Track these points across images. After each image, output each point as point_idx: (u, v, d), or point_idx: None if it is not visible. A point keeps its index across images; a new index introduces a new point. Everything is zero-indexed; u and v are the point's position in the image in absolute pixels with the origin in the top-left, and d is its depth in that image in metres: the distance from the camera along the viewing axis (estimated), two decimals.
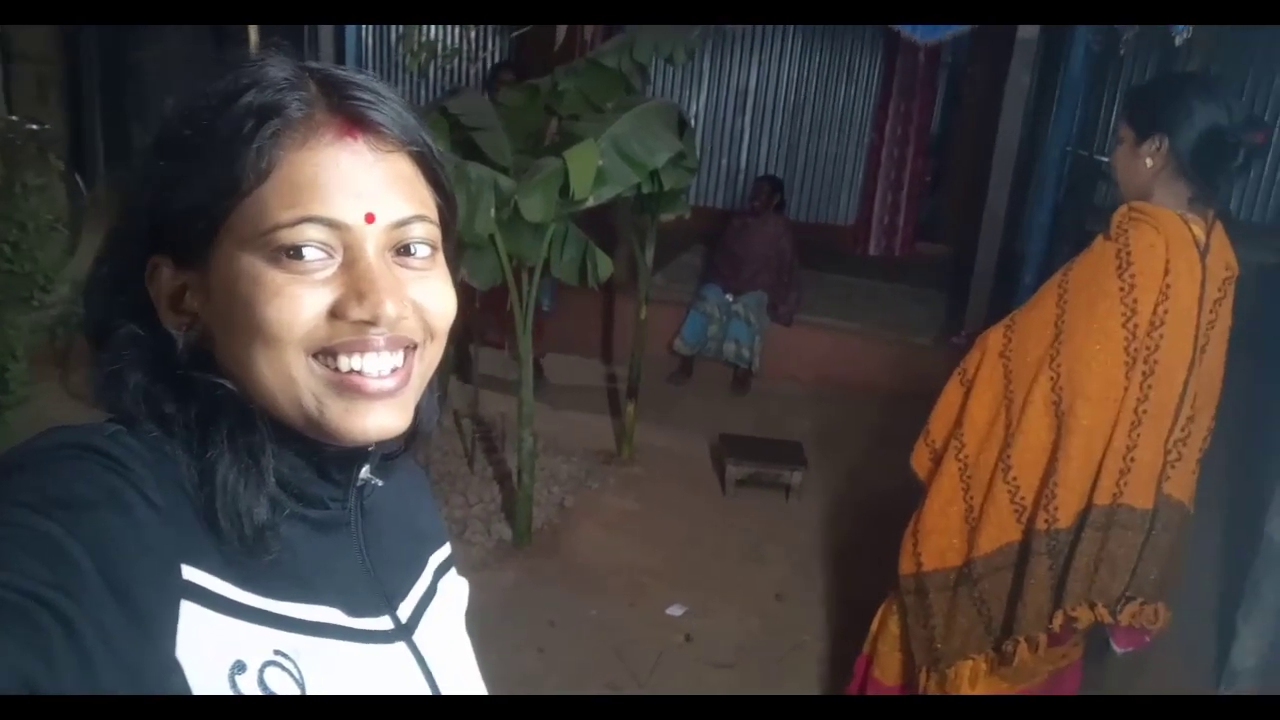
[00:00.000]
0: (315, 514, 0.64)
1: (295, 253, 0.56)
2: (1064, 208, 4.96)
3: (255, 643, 0.56)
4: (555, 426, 4.31)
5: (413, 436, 0.68)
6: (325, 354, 0.58)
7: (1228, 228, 1.80)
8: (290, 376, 0.57)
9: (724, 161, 6.89)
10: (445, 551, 0.79)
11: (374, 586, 0.67)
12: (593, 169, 2.97)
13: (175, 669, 0.52)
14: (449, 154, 3.00)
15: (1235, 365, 1.91)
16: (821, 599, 3.30)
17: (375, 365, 0.58)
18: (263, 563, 0.58)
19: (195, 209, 0.57)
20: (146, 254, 0.60)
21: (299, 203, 0.56)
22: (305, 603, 0.60)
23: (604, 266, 3.25)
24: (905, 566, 2.12)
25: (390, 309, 0.57)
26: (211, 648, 0.54)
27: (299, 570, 0.61)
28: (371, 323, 0.57)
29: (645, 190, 3.27)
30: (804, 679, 2.88)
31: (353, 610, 0.64)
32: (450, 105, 3.39)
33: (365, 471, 0.66)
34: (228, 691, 0.54)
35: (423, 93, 6.76)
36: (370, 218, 0.57)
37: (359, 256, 0.57)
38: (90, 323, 0.62)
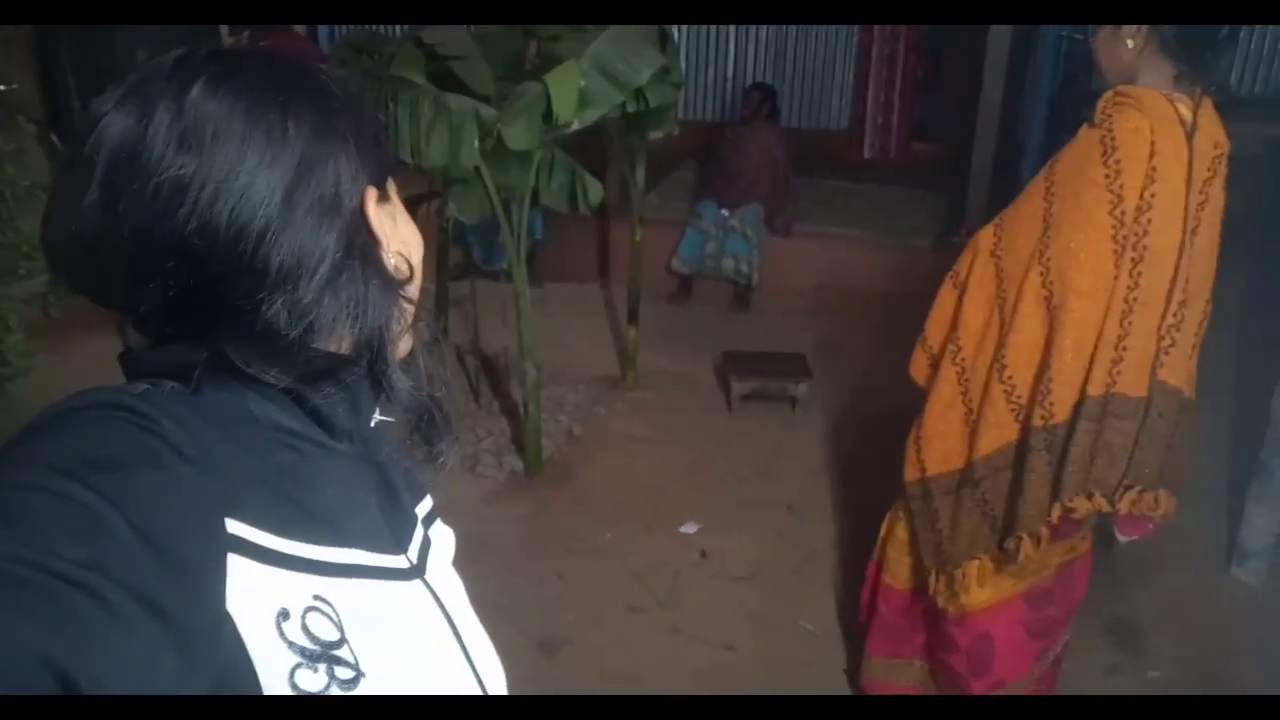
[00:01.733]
0: (343, 448, 0.66)
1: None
2: (1062, 97, 4.85)
3: (296, 590, 0.58)
4: (558, 355, 4.31)
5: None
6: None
7: (1224, 104, 1.75)
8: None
9: (710, 72, 6.74)
10: (428, 504, 0.82)
11: (387, 526, 0.70)
12: (575, 91, 2.91)
13: (227, 620, 0.53)
14: (428, 86, 2.94)
15: (1241, 244, 1.87)
16: (832, 509, 3.34)
17: None
18: (295, 509, 0.60)
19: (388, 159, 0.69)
20: (364, 184, 0.65)
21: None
22: (337, 545, 0.62)
23: (594, 192, 3.21)
24: (909, 473, 2.13)
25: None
26: (257, 598, 0.55)
27: (330, 511, 0.63)
28: None
29: (631, 109, 3.21)
30: (818, 588, 2.93)
31: (376, 548, 0.66)
32: (425, 35, 3.30)
33: (377, 415, 0.72)
34: (275, 639, 0.55)
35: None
36: None
37: None
38: (285, 262, 0.61)
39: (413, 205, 4.65)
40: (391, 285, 0.66)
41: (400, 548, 0.70)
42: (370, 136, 0.65)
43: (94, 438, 0.52)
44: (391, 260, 0.66)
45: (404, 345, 0.70)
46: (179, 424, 0.56)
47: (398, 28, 6.29)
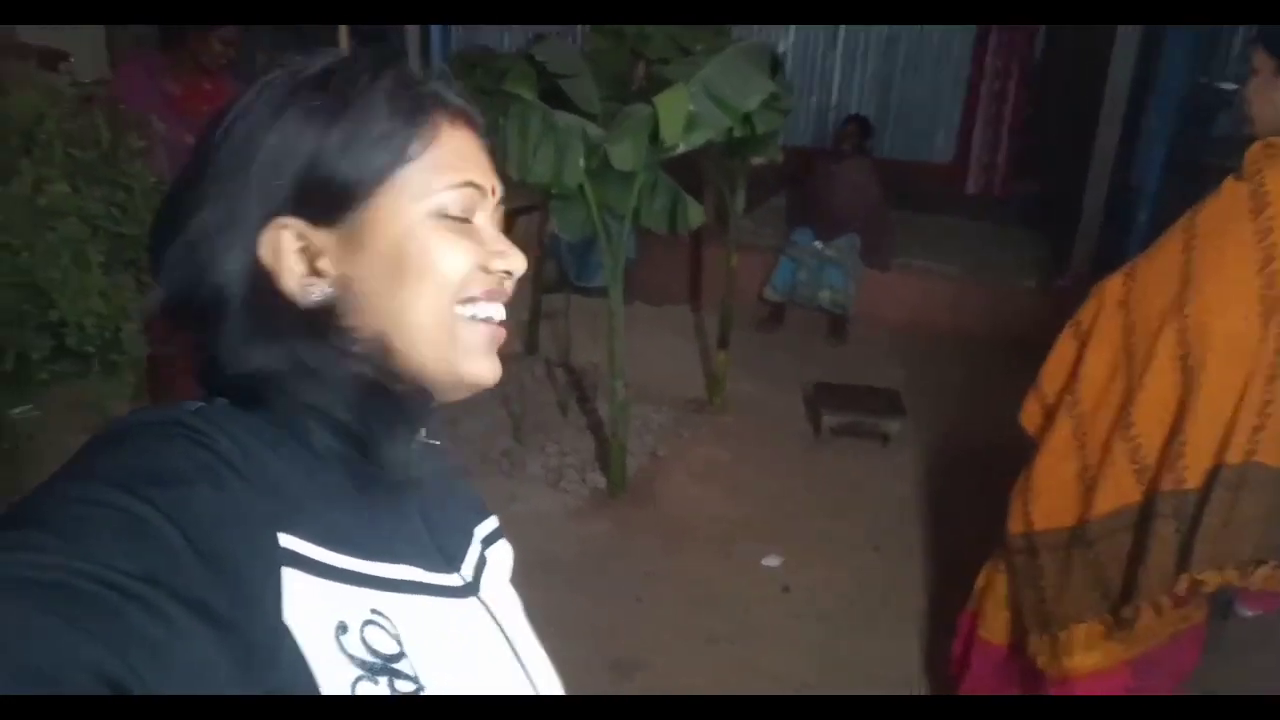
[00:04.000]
0: (386, 475, 0.66)
1: (447, 213, 0.65)
2: (1180, 140, 4.66)
3: (353, 603, 0.58)
4: (645, 375, 4.29)
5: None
6: (467, 302, 0.65)
7: None
8: (445, 320, 0.64)
9: (813, 99, 6.68)
10: (491, 524, 0.82)
11: (437, 547, 0.70)
12: (683, 114, 2.89)
13: (285, 634, 0.53)
14: (537, 103, 2.97)
15: None
16: (921, 551, 3.24)
17: (498, 314, 0.67)
18: (346, 526, 0.60)
19: (364, 172, 0.63)
20: (267, 217, 0.62)
21: (461, 169, 0.65)
22: (389, 561, 0.62)
23: (694, 214, 3.19)
24: (1014, 525, 2.04)
25: (522, 264, 0.68)
26: (314, 611, 0.55)
27: (380, 530, 0.63)
28: (509, 273, 0.67)
29: (737, 134, 3.18)
30: (902, 633, 2.84)
31: (428, 567, 0.66)
32: (537, 52, 3.34)
33: (423, 434, 0.70)
34: (335, 653, 0.55)
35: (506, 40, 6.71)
36: (494, 190, 0.69)
37: (487, 221, 0.68)
38: (177, 289, 0.63)
39: (512, 217, 4.72)
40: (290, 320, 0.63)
41: (452, 566, 0.70)
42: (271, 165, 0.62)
43: (151, 454, 0.54)
44: (304, 291, 0.63)
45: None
46: (233, 440, 0.57)
47: (507, 42, 6.43)
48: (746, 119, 3.12)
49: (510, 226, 3.88)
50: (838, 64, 6.62)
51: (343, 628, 0.56)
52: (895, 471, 3.72)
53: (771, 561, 3.16)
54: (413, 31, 5.72)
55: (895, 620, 2.89)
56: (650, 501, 3.49)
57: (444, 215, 0.65)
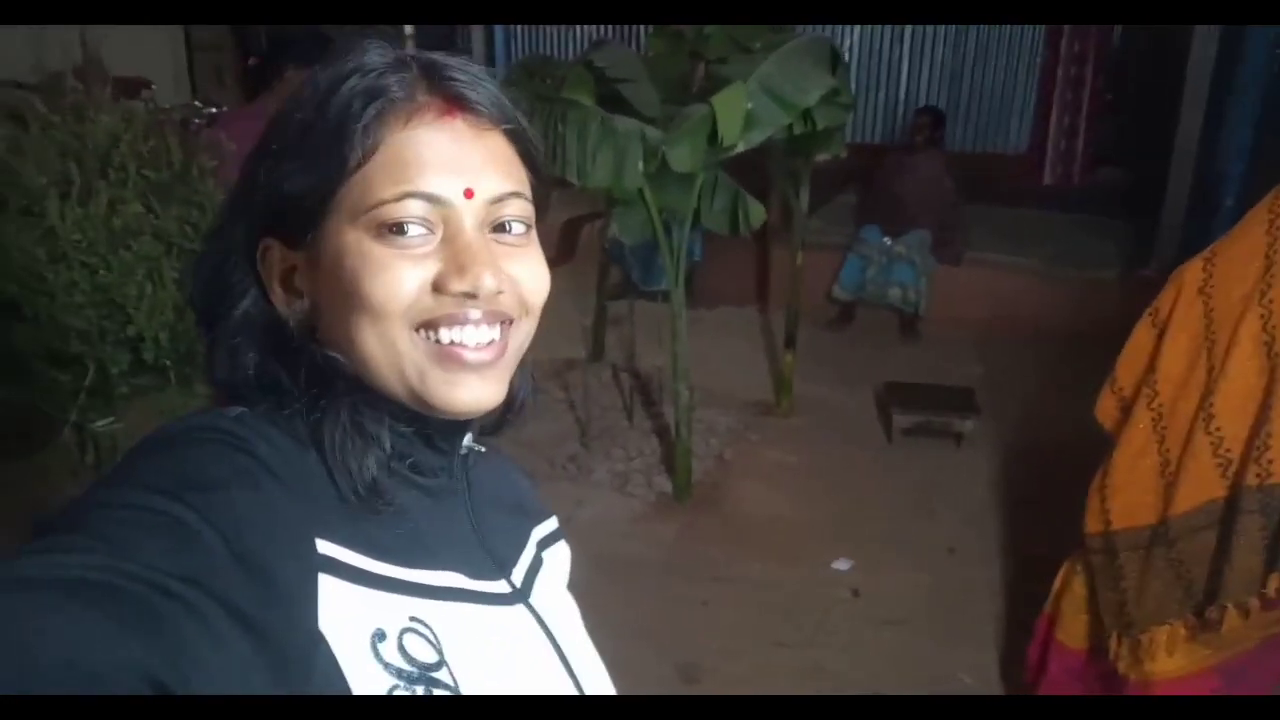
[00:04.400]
0: (427, 482, 0.65)
1: (398, 228, 0.58)
2: (1265, 122, 4.43)
3: (392, 611, 0.56)
4: (712, 378, 4.27)
5: (508, 410, 0.70)
6: (427, 327, 0.59)
7: None
8: (395, 349, 0.59)
9: (881, 95, 6.56)
10: (550, 525, 0.81)
11: (486, 553, 0.68)
12: (741, 113, 2.87)
13: (320, 640, 0.52)
14: (595, 108, 2.97)
15: None
16: (996, 553, 3.14)
17: (474, 337, 0.60)
18: (389, 532, 0.59)
19: (305, 189, 0.59)
20: (259, 236, 0.62)
21: (402, 179, 0.57)
22: (431, 569, 0.61)
23: (756, 214, 3.16)
24: (1092, 525, 1.96)
25: (489, 281, 0.58)
26: (351, 618, 0.54)
27: (421, 537, 0.62)
28: (471, 295, 0.58)
29: (797, 131, 3.14)
30: (979, 637, 2.76)
31: (473, 574, 0.65)
32: (595, 58, 3.35)
33: (468, 439, 0.69)
34: (371, 660, 0.54)
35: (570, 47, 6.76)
36: (469, 193, 0.59)
37: (458, 231, 0.59)
38: (200, 302, 0.64)
39: (577, 225, 4.75)
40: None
41: (501, 573, 0.68)
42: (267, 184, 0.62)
43: (191, 460, 0.53)
44: (289, 310, 0.62)
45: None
46: (272, 446, 0.57)
47: (570, 50, 6.48)
48: (806, 116, 3.08)
49: (575, 234, 3.91)
50: (906, 57, 6.49)
51: (380, 635, 0.55)
52: (970, 472, 3.62)
53: (841, 565, 3.10)
54: (478, 41, 5.80)
55: (970, 625, 2.81)
56: (717, 505, 3.46)
57: (383, 233, 0.58)
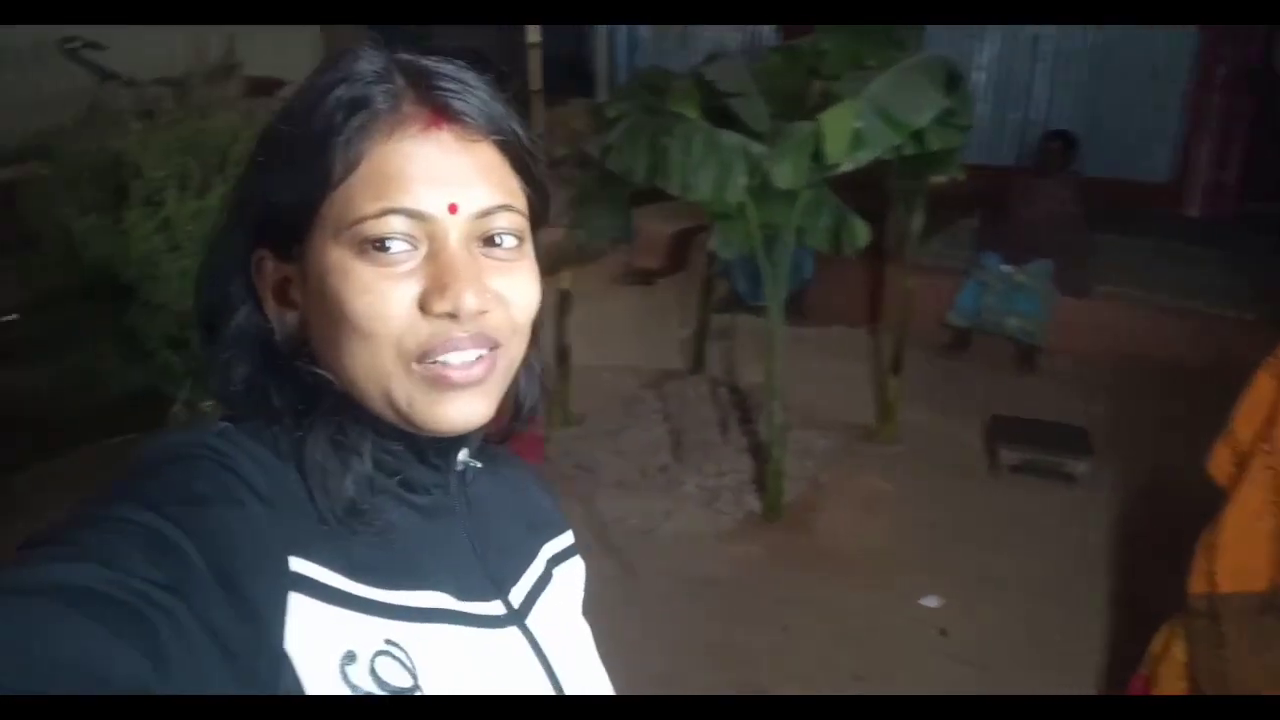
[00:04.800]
0: (420, 500, 0.64)
1: (380, 245, 0.56)
2: None
3: (366, 633, 0.56)
4: (814, 399, 4.19)
5: (513, 421, 0.70)
6: (421, 359, 0.58)
7: None
8: (382, 372, 0.58)
9: (1012, 116, 6.31)
10: (564, 541, 0.78)
11: (483, 572, 0.67)
12: (848, 131, 2.81)
13: (284, 661, 0.52)
14: (699, 121, 2.96)
15: None
16: (1102, 605, 2.95)
17: (460, 358, 0.58)
18: (371, 552, 0.58)
19: (291, 202, 0.58)
20: (252, 247, 0.62)
21: (384, 194, 0.56)
22: (414, 589, 0.60)
23: (860, 234, 3.07)
24: (1196, 585, 1.83)
25: (470, 301, 0.56)
26: (321, 639, 0.53)
27: (407, 556, 0.61)
28: (453, 314, 0.56)
29: (908, 152, 3.04)
30: (1070, 691, 2.60)
31: (463, 594, 0.63)
32: (706, 71, 3.34)
33: (464, 455, 0.67)
34: (339, 683, 0.53)
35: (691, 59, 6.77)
36: (454, 208, 0.57)
37: (442, 248, 0.57)
38: (201, 313, 0.64)
39: (686, 236, 4.73)
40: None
41: (497, 593, 0.67)
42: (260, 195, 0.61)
43: (175, 477, 0.54)
44: (281, 322, 0.62)
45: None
46: (256, 462, 0.56)
47: (672, 61, 6.49)
48: (918, 136, 2.98)
49: (684, 245, 3.89)
50: (1040, 78, 6.22)
51: (350, 657, 0.54)
52: (1078, 515, 3.43)
53: (930, 602, 2.98)
54: (601, 49, 5.87)
55: (1062, 676, 2.65)
56: (806, 529, 3.38)
57: (366, 250, 0.56)
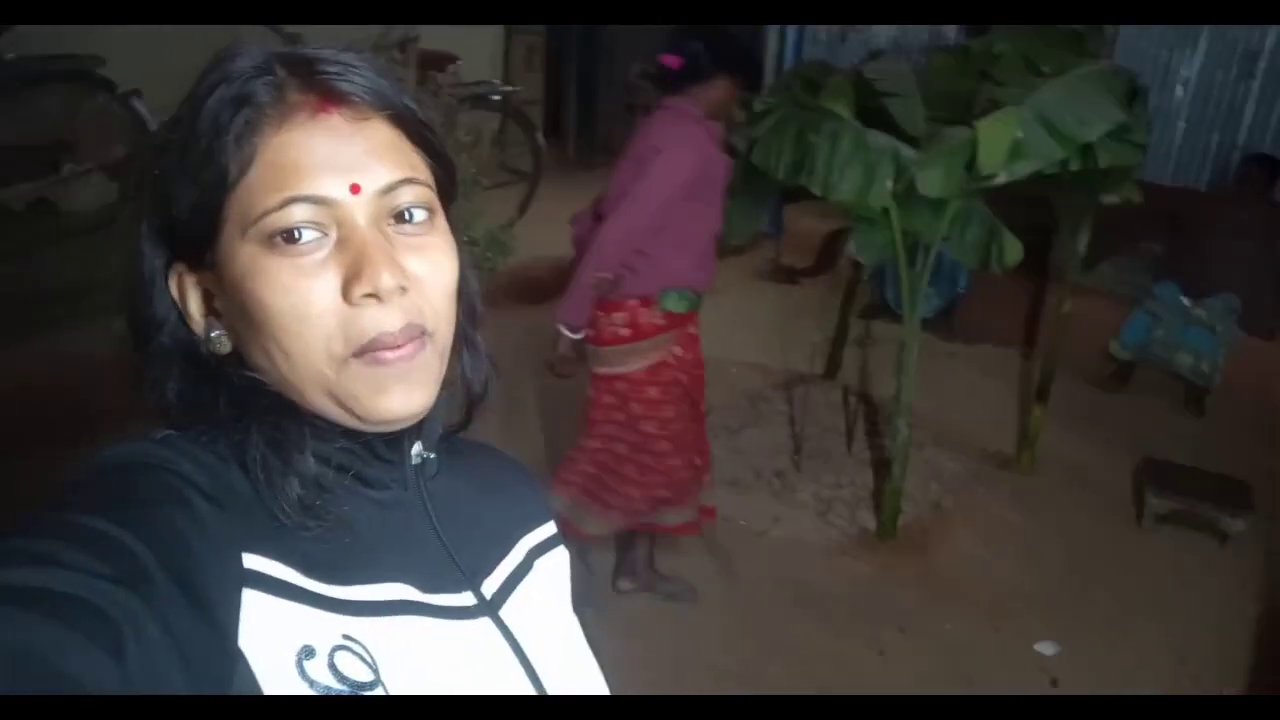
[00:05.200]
0: (377, 494, 0.64)
1: (288, 236, 0.55)
2: None
3: (323, 627, 0.55)
4: (950, 418, 4.01)
5: (469, 406, 0.70)
6: (359, 355, 0.57)
7: None
8: (315, 368, 0.57)
9: (1215, 137, 5.79)
10: (545, 532, 0.77)
11: (451, 564, 0.66)
12: (1007, 141, 2.64)
13: (239, 658, 0.51)
14: (850, 120, 2.86)
15: None
16: (1237, 676, 2.70)
17: (392, 339, 0.57)
18: (326, 547, 0.58)
19: (193, 209, 0.57)
20: (168, 261, 0.61)
21: (283, 185, 0.55)
22: (374, 583, 0.59)
23: (1011, 252, 2.89)
24: None
25: (387, 280, 0.55)
26: (277, 635, 0.53)
27: (364, 550, 0.60)
28: (374, 295, 0.55)
29: (1074, 168, 2.84)
30: None
31: (427, 586, 0.63)
32: (867, 70, 3.23)
33: (418, 449, 0.66)
34: (296, 679, 0.53)
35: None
36: (355, 188, 0.56)
37: (352, 231, 0.56)
38: (130, 330, 0.63)
39: (839, 237, 4.60)
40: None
41: (468, 584, 0.66)
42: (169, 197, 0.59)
43: (118, 483, 0.54)
44: (208, 334, 0.61)
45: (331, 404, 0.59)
46: (198, 465, 0.56)
47: (847, 60, 6.30)
48: (1087, 151, 2.77)
49: (836, 246, 3.74)
50: (1252, 97, 5.67)
51: (308, 652, 0.54)
52: (1228, 577, 3.14)
53: (1045, 648, 2.80)
54: (771, 43, 5.79)
55: None
56: (920, 553, 3.24)
57: (276, 243, 0.55)
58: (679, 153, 2.35)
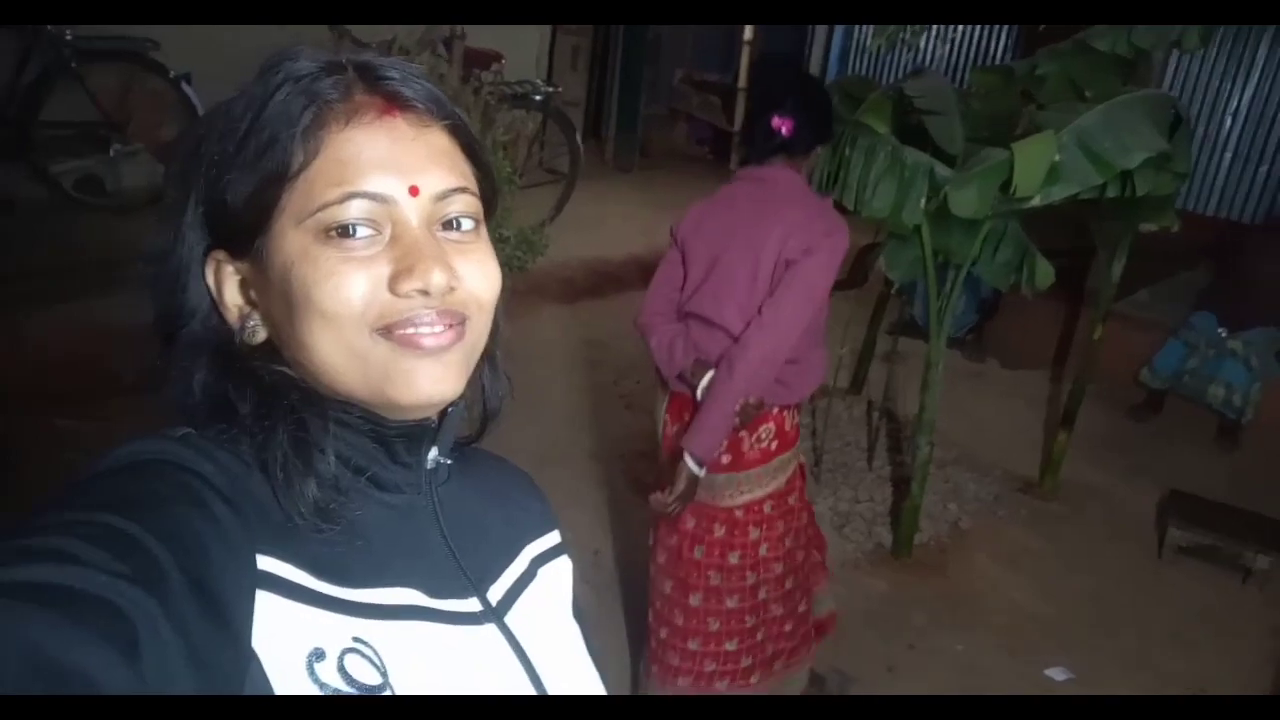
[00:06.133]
0: (390, 498, 0.65)
1: (344, 230, 0.57)
2: None
3: (333, 630, 0.56)
4: (974, 439, 3.99)
5: (484, 420, 0.72)
6: (385, 331, 0.59)
7: None
8: (354, 351, 0.58)
9: (1264, 169, 5.71)
10: (549, 541, 0.77)
11: (459, 570, 0.67)
12: (1045, 164, 2.62)
13: (252, 658, 0.52)
14: (887, 135, 2.86)
15: None
16: None
17: (429, 327, 0.59)
18: (338, 549, 0.59)
19: (248, 198, 0.59)
20: (206, 250, 0.62)
21: (344, 180, 0.57)
22: (384, 586, 0.60)
23: (1043, 275, 2.88)
24: None
25: (438, 278, 0.58)
26: (289, 637, 0.54)
27: (377, 554, 0.61)
28: (424, 291, 0.58)
29: (1111, 193, 2.82)
30: None
31: (435, 592, 0.63)
32: (907, 86, 3.22)
33: (434, 454, 0.67)
34: (306, 680, 0.53)
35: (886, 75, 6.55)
36: (414, 191, 0.59)
37: (405, 230, 0.58)
38: (159, 317, 0.63)
39: (872, 252, 4.61)
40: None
41: (474, 590, 0.66)
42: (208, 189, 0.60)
43: (134, 481, 0.54)
44: (243, 324, 0.62)
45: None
46: (216, 465, 0.57)
47: (886, 76, 6.28)
48: (1126, 178, 2.75)
49: (868, 261, 3.69)
50: None
51: (319, 654, 0.54)
52: (1250, 615, 3.10)
53: (1057, 674, 2.78)
54: (817, 53, 5.79)
55: None
56: (936, 572, 3.23)
57: (330, 236, 0.57)
58: (836, 251, 1.99)
